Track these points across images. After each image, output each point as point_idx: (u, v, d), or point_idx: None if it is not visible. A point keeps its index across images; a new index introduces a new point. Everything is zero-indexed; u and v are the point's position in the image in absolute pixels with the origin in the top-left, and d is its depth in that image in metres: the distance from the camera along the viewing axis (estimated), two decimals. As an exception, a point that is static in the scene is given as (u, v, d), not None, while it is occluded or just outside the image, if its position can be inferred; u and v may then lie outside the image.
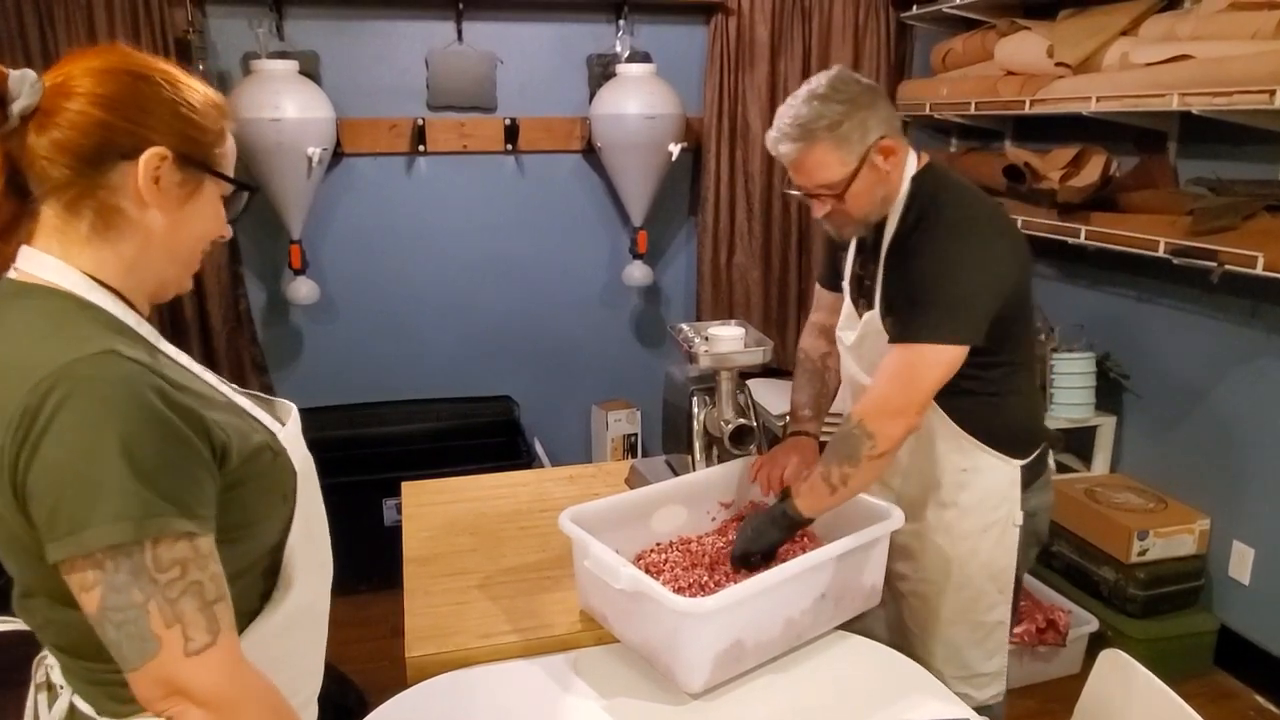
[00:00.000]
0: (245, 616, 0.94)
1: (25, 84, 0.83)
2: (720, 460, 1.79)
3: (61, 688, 0.95)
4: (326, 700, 1.14)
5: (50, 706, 0.96)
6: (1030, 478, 1.63)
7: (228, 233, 0.99)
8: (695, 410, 1.82)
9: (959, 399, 1.53)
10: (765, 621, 1.34)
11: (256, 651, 0.92)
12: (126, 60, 0.88)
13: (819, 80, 1.50)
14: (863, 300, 1.66)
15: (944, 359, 1.43)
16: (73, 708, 0.94)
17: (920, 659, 1.57)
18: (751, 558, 1.51)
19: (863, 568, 1.47)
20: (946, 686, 1.57)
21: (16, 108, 0.83)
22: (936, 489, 1.63)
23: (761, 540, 1.51)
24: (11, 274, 0.88)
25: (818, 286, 1.90)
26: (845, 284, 1.71)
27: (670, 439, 2.00)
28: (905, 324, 1.47)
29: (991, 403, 1.57)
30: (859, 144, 1.46)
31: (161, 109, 0.88)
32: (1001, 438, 1.59)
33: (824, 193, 1.51)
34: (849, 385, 1.75)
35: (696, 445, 1.83)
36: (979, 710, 1.54)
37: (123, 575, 0.79)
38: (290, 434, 0.99)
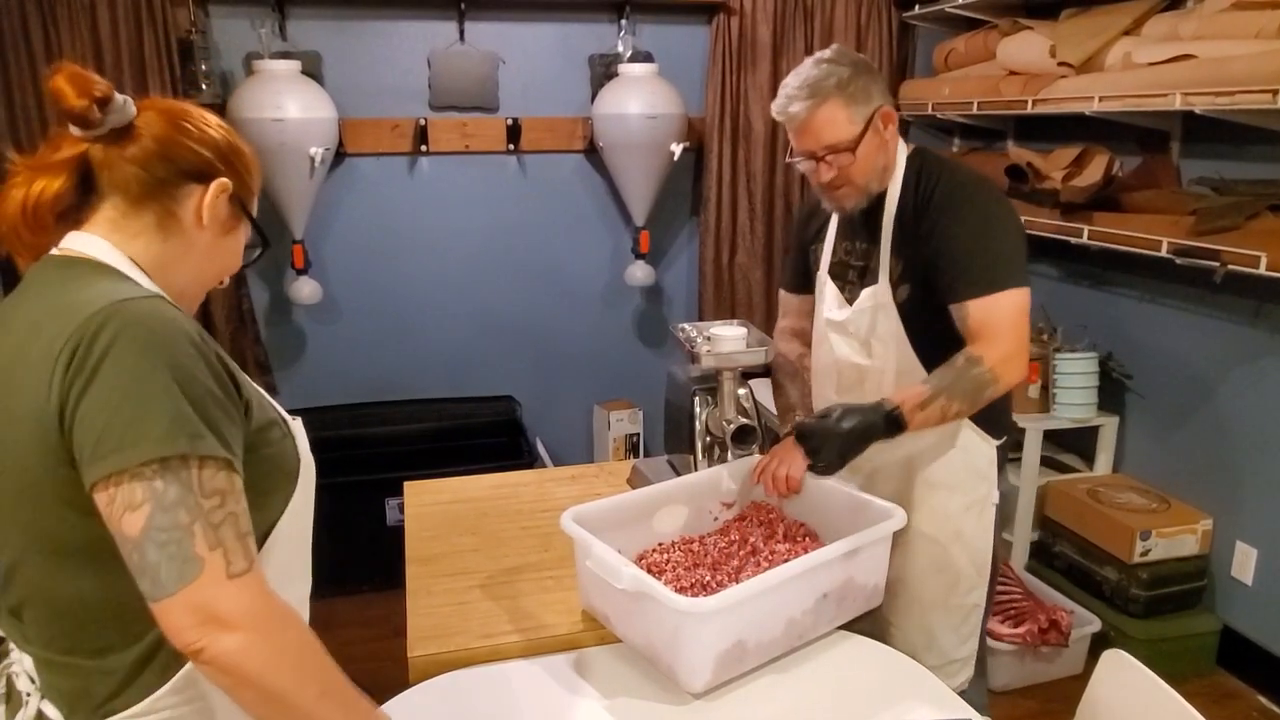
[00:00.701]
0: None
1: (126, 104, 0.96)
2: (722, 460, 1.79)
3: (28, 695, 0.94)
4: None
5: (12, 718, 0.96)
6: (1001, 459, 1.69)
7: (231, 273, 1.10)
8: (697, 410, 1.82)
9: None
10: (767, 621, 1.33)
11: None
12: (201, 110, 1.04)
13: (822, 51, 1.56)
14: (851, 283, 1.68)
15: (1028, 302, 1.50)
16: (40, 716, 0.94)
17: (897, 648, 1.58)
18: (844, 453, 1.42)
19: (865, 567, 1.47)
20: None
21: (112, 119, 0.95)
22: (924, 468, 1.66)
23: (865, 435, 1.43)
24: (55, 251, 0.97)
25: (783, 292, 1.92)
26: (824, 271, 1.74)
27: (672, 439, 2.00)
28: (977, 278, 1.49)
29: None
30: (864, 105, 1.52)
31: (228, 151, 1.03)
32: (984, 415, 1.61)
33: (832, 154, 1.53)
34: (831, 369, 1.75)
35: (699, 445, 1.83)
36: None
37: (173, 492, 0.82)
38: (298, 428, 1.05)
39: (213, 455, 0.85)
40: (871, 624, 1.72)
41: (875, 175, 1.57)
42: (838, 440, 1.43)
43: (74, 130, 0.95)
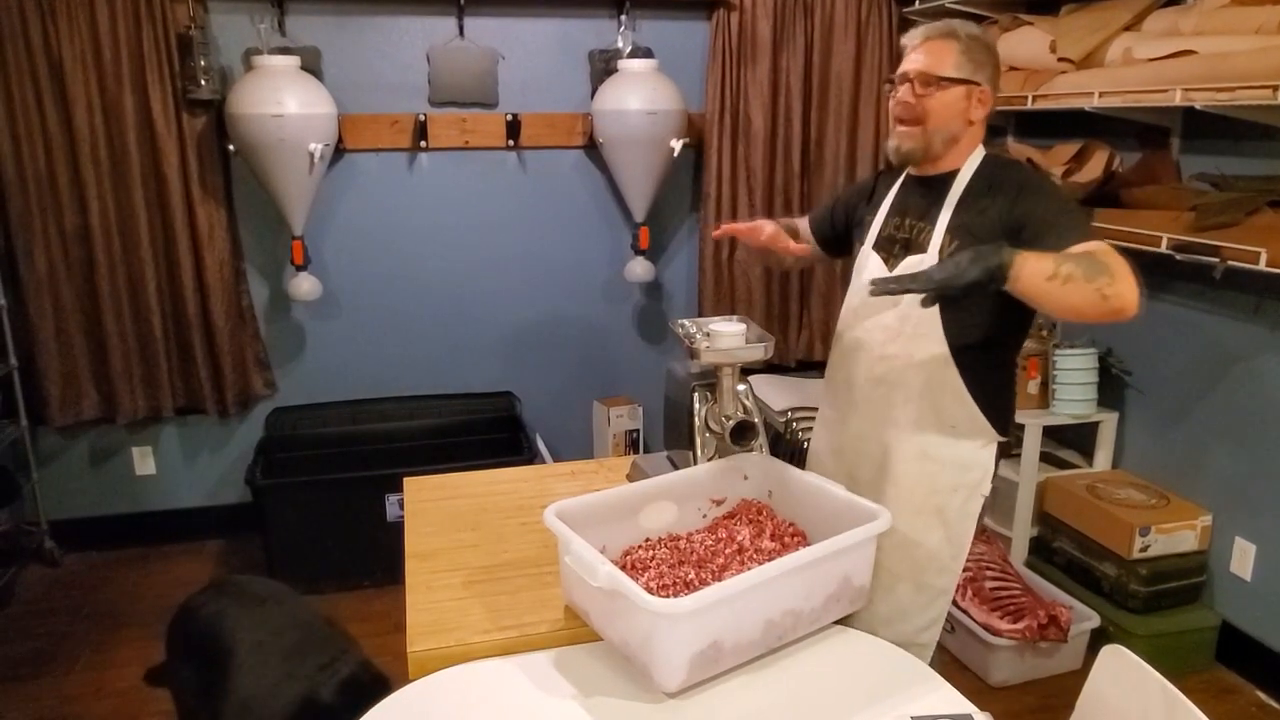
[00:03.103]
0: None
1: None
2: (722, 456, 1.79)
3: None
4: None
5: None
6: (1000, 455, 1.72)
7: None
8: (697, 406, 1.82)
9: (975, 354, 1.63)
10: (744, 623, 1.31)
11: None
12: None
13: None
14: (895, 256, 1.72)
15: None
16: None
17: (860, 615, 1.56)
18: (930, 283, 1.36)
19: (848, 569, 1.45)
20: None
21: None
22: (925, 435, 1.69)
23: (964, 270, 1.34)
24: None
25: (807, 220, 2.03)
26: (869, 246, 1.78)
27: (672, 435, 2.00)
28: (1074, 234, 1.47)
29: (999, 373, 1.68)
30: (971, 69, 1.62)
31: None
32: (993, 408, 1.67)
33: (922, 81, 1.61)
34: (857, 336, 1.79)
35: (698, 441, 1.82)
36: None
37: None
38: None
39: None
40: None
41: (941, 131, 1.63)
42: (942, 267, 1.37)
43: None
